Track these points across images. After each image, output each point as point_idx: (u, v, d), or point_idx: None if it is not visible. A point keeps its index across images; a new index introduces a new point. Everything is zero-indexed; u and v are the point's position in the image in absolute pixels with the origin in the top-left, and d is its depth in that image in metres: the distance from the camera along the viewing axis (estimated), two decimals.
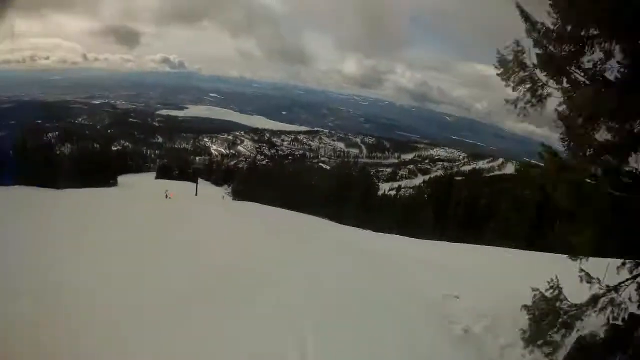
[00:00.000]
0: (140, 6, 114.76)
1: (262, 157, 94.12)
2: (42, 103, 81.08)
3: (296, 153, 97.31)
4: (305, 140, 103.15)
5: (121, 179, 58.84)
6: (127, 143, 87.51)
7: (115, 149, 78.35)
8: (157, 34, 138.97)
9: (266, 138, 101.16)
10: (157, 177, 72.74)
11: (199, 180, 76.78)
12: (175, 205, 29.27)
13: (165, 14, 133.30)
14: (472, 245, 24.88)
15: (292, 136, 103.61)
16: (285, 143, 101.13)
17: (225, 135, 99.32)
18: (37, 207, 21.12)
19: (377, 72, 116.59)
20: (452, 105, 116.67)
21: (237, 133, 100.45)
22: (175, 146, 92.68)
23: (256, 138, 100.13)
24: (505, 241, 26.05)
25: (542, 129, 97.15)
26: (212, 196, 58.99)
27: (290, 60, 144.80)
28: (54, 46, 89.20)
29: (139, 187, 52.66)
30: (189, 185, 60.78)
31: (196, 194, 57.35)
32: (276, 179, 59.34)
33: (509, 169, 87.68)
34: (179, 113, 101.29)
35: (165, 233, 16.06)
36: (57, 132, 71.15)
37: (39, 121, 72.99)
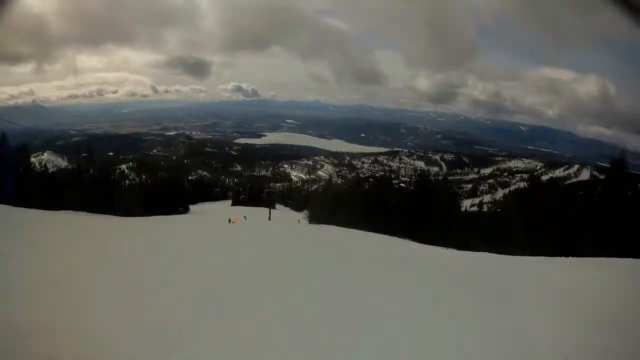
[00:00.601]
0: (206, 35, 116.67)
1: (342, 180, 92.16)
2: (114, 136, 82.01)
3: (377, 175, 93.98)
4: (385, 161, 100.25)
5: (196, 207, 60.32)
6: (205, 172, 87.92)
7: (192, 178, 79.83)
8: (226, 63, 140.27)
9: (346, 161, 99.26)
10: (233, 204, 72.47)
11: (278, 206, 76.33)
12: (233, 228, 29.73)
13: (232, 42, 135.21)
14: (579, 258, 22.93)
15: (372, 158, 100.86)
16: (365, 165, 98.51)
17: (305, 161, 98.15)
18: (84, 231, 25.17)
19: (450, 85, 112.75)
20: (525, 114, 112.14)
21: (317, 158, 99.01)
22: (255, 174, 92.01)
23: (336, 162, 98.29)
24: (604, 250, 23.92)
25: (612, 129, 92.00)
26: (286, 220, 61.17)
27: (363, 80, 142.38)
28: (121, 80, 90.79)
29: (210, 213, 53.81)
30: (264, 211, 61.19)
31: (269, 219, 58.60)
32: (354, 201, 57.04)
33: (585, 174, 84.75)
34: (257, 141, 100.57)
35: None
36: (130, 163, 71.26)
37: (111, 153, 73.45)
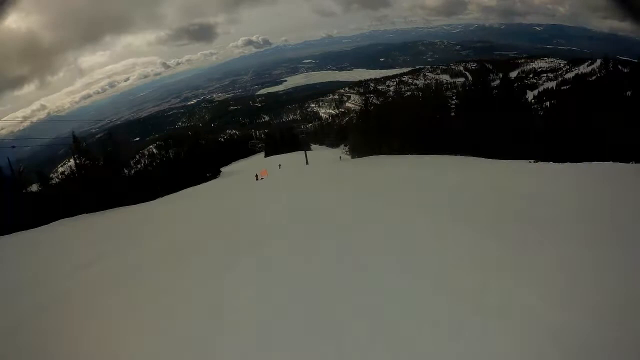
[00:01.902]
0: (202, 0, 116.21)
1: (373, 107, 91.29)
2: (136, 121, 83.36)
3: (405, 95, 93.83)
4: (410, 80, 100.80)
5: (228, 167, 59.41)
6: (234, 131, 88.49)
7: (221, 139, 79.72)
8: (230, 20, 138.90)
9: (372, 88, 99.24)
10: (266, 155, 72.19)
11: (313, 146, 75.50)
12: (262, 185, 27.62)
13: None
14: None
15: (397, 79, 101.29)
16: (391, 88, 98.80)
17: (331, 96, 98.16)
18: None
19: None
20: (537, 14, 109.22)
21: (342, 91, 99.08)
22: (283, 119, 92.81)
23: (362, 90, 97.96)
24: None
25: (626, 22, 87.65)
26: (325, 160, 57.45)
27: (371, 5, 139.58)
28: (129, 67, 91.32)
29: (241, 172, 52.84)
30: (300, 155, 59.83)
31: (307, 162, 55.22)
32: (406, 123, 53.11)
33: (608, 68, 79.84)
34: (279, 88, 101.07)
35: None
36: (156, 143, 71.85)
37: (137, 139, 74.49)
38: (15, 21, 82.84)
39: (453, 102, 51.53)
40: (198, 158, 53.37)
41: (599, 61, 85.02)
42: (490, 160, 24.46)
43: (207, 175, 51.94)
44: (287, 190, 22.86)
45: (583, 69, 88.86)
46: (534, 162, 23.53)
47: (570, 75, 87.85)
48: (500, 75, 47.67)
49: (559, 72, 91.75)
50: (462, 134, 39.52)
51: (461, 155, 32.40)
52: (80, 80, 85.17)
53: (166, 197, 34.28)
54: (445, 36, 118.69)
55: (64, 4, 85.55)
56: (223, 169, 58.85)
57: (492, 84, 46.26)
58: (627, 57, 75.10)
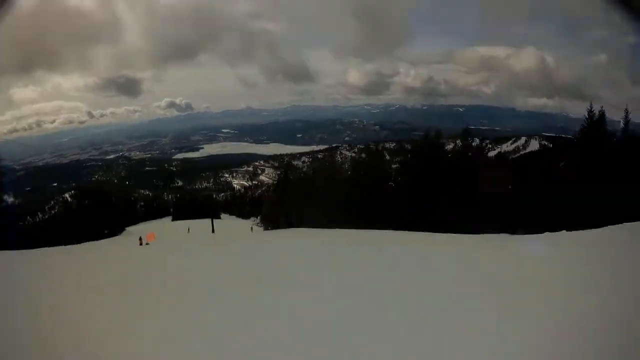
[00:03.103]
0: (132, 51, 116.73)
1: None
2: (55, 165, 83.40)
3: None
4: (326, 157, 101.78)
5: (134, 227, 59.08)
6: (147, 192, 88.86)
7: (133, 199, 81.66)
8: (156, 77, 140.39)
9: (286, 162, 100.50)
10: (174, 219, 72.29)
11: (223, 215, 76.37)
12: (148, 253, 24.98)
13: (159, 54, 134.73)
14: None
15: (312, 156, 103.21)
16: (306, 165, 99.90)
17: (245, 168, 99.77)
18: None
19: (382, 75, 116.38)
20: (461, 95, 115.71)
21: (257, 163, 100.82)
22: (197, 187, 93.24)
23: (277, 165, 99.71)
24: None
25: (553, 99, 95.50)
26: (235, 230, 57.45)
27: (294, 79, 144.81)
28: (57, 109, 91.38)
29: (143, 232, 52.17)
30: (207, 222, 58.29)
31: (213, 231, 54.34)
32: (332, 192, 49.57)
33: (534, 145, 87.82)
34: (195, 154, 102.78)
35: None
36: (72, 192, 71.11)
37: (55, 184, 74.69)
38: None
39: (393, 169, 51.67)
40: (100, 213, 52.86)
41: (523, 139, 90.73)
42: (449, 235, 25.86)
43: (105, 232, 51.56)
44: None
45: (506, 147, 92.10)
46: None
47: (492, 153, 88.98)
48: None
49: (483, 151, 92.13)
50: (407, 205, 39.75)
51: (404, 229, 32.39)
52: (10, 112, 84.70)
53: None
54: (365, 115, 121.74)
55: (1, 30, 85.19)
56: (129, 228, 58.28)
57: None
58: (551, 134, 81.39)
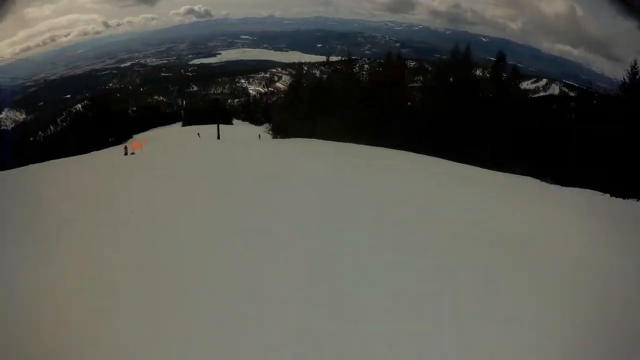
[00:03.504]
0: None
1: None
2: (69, 77, 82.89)
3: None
4: (344, 69, 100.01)
5: (144, 134, 62.29)
6: (161, 97, 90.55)
7: (147, 105, 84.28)
8: None
9: (304, 71, 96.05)
10: (183, 125, 75.19)
11: (236, 121, 77.22)
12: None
13: None
14: None
15: (332, 67, 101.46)
16: (325, 75, 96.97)
17: (262, 74, 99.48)
18: None
19: None
20: (487, 25, 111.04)
21: (274, 70, 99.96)
22: (211, 92, 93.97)
23: (294, 72, 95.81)
24: None
25: (578, 49, 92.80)
26: (241, 138, 58.36)
27: None
28: (71, 22, 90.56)
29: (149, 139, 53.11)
30: (222, 128, 58.38)
31: (219, 137, 55.74)
32: (347, 99, 49.25)
33: (554, 89, 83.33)
34: (212, 60, 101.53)
35: None
36: (85, 102, 72.56)
37: (68, 96, 75.39)
38: None
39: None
40: (105, 122, 55.69)
41: (544, 80, 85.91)
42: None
43: (110, 140, 53.26)
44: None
45: (527, 84, 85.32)
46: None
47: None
48: None
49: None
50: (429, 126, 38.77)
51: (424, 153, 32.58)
52: (23, 31, 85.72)
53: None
54: (387, 32, 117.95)
55: None
56: (138, 135, 60.51)
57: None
58: (572, 82, 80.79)
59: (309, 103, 52.30)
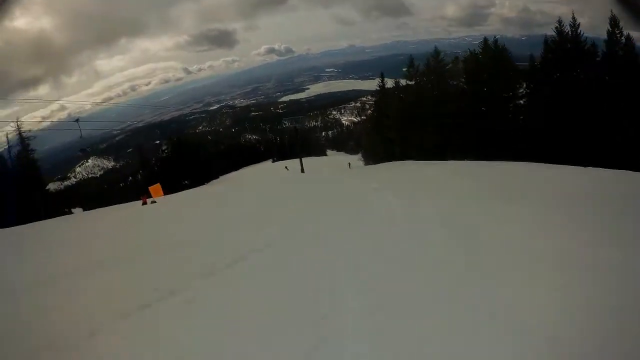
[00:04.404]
0: (216, 5, 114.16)
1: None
2: (157, 124, 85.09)
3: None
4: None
5: (233, 173, 61.35)
6: (253, 136, 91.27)
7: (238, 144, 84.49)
8: (248, 27, 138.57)
9: (387, 92, 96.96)
10: (274, 161, 73.63)
11: (330, 152, 75.27)
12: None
13: (247, 4, 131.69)
14: None
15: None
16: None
17: (352, 104, 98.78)
18: None
19: (478, 7, 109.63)
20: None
21: (364, 99, 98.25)
22: (305, 126, 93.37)
23: (378, 96, 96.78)
24: None
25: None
26: (331, 168, 53.97)
27: (391, 14, 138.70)
28: (150, 71, 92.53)
29: (232, 179, 51.46)
30: (310, 161, 55.49)
31: (302, 171, 51.37)
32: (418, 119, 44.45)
33: None
34: (301, 95, 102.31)
35: None
36: (170, 146, 69.80)
37: (157, 142, 76.02)
38: (24, 23, 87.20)
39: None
40: (181, 164, 54.44)
41: None
42: None
43: (184, 183, 51.04)
44: None
45: None
46: None
47: None
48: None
49: None
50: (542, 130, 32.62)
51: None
52: (99, 82, 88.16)
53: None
54: (466, 46, 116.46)
55: (73, 7, 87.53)
56: (228, 175, 60.77)
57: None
58: None
59: (398, 123, 47.51)
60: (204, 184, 54.84)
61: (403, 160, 40.26)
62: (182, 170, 52.06)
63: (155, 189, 37.05)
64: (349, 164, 56.02)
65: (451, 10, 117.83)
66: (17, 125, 45.62)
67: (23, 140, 45.16)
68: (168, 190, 40.32)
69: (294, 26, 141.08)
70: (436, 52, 50.79)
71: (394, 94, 52.25)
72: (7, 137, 46.02)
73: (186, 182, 52.99)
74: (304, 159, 58.34)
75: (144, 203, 31.62)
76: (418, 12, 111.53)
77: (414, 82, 49.69)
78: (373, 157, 52.31)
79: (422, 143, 41.17)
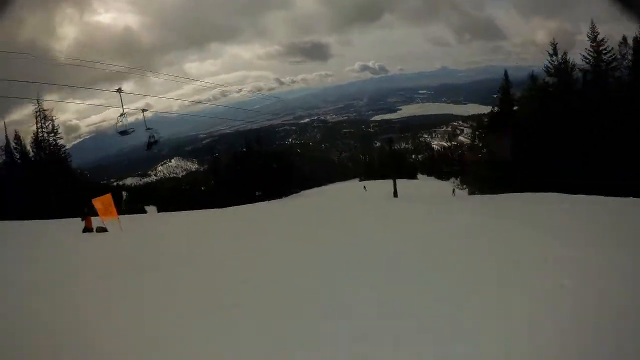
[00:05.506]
0: (310, 16, 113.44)
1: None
2: (246, 132, 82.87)
3: None
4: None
5: (316, 189, 62.79)
6: (343, 153, 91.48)
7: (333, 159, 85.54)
8: (342, 42, 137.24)
9: (486, 123, 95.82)
10: (360, 180, 72.24)
11: (421, 175, 73.48)
12: None
13: (341, 18, 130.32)
14: None
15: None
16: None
17: (444, 128, 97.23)
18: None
19: (567, 33, 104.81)
20: None
21: (455, 123, 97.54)
22: (395, 147, 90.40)
23: (475, 125, 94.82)
24: None
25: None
26: (428, 194, 50.43)
27: (484, 37, 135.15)
28: (241, 78, 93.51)
29: (313, 194, 50.35)
30: (389, 183, 48.77)
31: (395, 194, 45.29)
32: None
33: None
34: (393, 116, 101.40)
35: None
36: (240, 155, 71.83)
37: (244, 149, 73.98)
38: (110, 18, 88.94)
39: None
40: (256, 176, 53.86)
41: None
42: None
43: (257, 194, 50.41)
44: None
45: None
46: None
47: None
48: None
49: None
50: None
51: None
52: (189, 85, 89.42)
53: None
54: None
55: (161, 6, 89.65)
56: (309, 190, 60.86)
57: None
58: None
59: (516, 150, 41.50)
60: (281, 197, 54.89)
61: (530, 190, 31.70)
62: (255, 180, 51.25)
63: (104, 203, 23.55)
64: (453, 190, 52.96)
65: (541, 35, 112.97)
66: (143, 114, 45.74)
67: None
68: (242, 199, 37.69)
69: (389, 45, 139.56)
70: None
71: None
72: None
73: (258, 193, 52.82)
74: (380, 182, 57.27)
75: (88, 228, 22.53)
76: (511, 36, 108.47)
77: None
78: (479, 183, 47.09)
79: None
